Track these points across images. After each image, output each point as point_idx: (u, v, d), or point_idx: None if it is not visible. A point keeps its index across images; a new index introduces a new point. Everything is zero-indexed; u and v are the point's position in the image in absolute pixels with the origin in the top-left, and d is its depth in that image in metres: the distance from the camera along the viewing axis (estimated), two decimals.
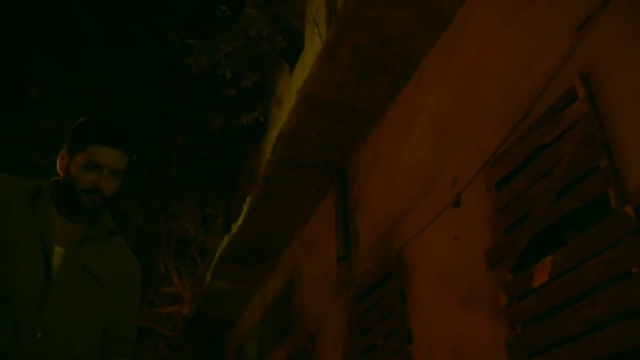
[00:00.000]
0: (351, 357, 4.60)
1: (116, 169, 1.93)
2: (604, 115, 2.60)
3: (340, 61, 4.38)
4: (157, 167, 11.10)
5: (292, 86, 7.43)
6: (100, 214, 2.02)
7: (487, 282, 3.16)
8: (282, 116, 7.64)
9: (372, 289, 4.50)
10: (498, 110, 3.34)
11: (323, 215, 5.98)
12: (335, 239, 5.29)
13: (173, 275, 12.16)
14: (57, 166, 1.98)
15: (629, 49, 2.54)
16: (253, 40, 8.12)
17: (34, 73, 9.72)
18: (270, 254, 7.23)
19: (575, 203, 2.64)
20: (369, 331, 4.40)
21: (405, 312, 3.93)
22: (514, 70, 3.26)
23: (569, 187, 2.70)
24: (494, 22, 3.54)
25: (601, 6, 2.72)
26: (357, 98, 4.73)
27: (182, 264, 12.42)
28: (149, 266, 11.61)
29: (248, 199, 6.35)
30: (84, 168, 1.89)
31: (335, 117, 4.95)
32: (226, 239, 7.22)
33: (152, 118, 10.31)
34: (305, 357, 5.78)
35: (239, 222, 6.67)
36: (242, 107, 8.92)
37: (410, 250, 4.05)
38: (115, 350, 2.00)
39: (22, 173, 2.02)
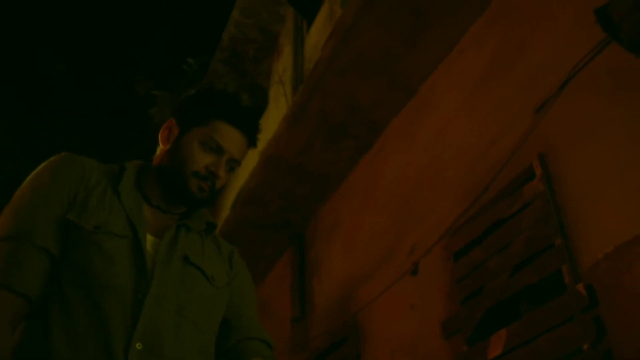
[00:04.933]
0: None
1: (236, 159, 1.54)
2: (560, 194, 2.71)
3: (306, 125, 4.47)
4: None
5: None
6: (199, 208, 1.60)
7: (442, 352, 3.18)
8: (242, 172, 7.66)
9: (327, 352, 4.47)
10: (459, 183, 3.44)
11: (279, 276, 5.96)
12: (291, 300, 5.26)
13: None
14: (160, 138, 1.57)
15: (584, 132, 2.68)
16: None
17: None
18: None
19: (530, 278, 2.72)
20: None
21: None
22: (475, 145, 3.38)
23: (525, 263, 2.78)
24: (457, 99, 3.68)
25: (558, 89, 2.87)
26: (320, 161, 4.81)
27: None
28: None
29: None
30: (202, 145, 1.49)
31: (296, 179, 5.01)
32: None
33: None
34: None
35: None
36: None
37: (367, 316, 4.06)
38: (251, 350, 1.53)
39: None
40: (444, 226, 3.44)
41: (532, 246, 2.74)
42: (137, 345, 1.27)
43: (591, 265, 2.43)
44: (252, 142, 1.59)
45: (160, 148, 1.58)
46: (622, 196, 2.41)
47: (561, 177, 2.73)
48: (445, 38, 3.82)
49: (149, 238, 1.44)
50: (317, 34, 5.83)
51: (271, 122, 6.70)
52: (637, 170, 2.38)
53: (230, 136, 1.51)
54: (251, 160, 7.00)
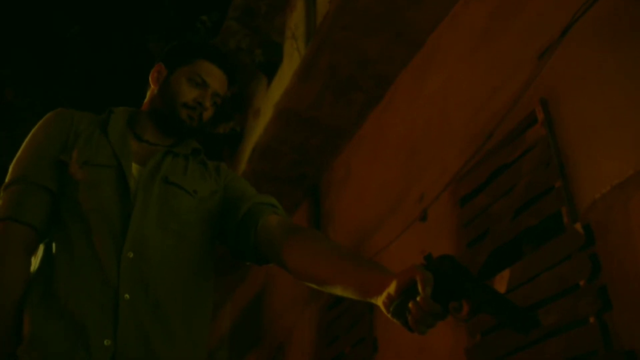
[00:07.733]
0: None
1: (219, 93, 1.73)
2: (560, 138, 2.79)
3: (316, 79, 4.56)
4: None
5: (269, 98, 7.56)
6: (188, 137, 1.77)
7: None
8: (258, 127, 7.77)
9: (340, 300, 4.63)
10: (464, 131, 3.53)
11: None
12: None
13: None
14: (150, 80, 1.77)
15: (585, 78, 2.74)
16: (232, 52, 8.25)
17: (11, 78, 9.72)
18: (242, 263, 7.30)
19: (532, 220, 2.83)
20: (337, 340, 4.53)
21: (373, 321, 4.08)
22: (480, 94, 3.46)
23: (527, 205, 2.89)
24: (462, 49, 3.74)
25: (559, 36, 2.93)
26: (331, 115, 4.91)
27: None
28: None
29: None
30: (189, 81, 1.69)
31: (309, 132, 5.12)
32: None
33: None
34: None
35: None
36: (218, 117, 9.01)
37: (378, 262, 4.20)
38: (264, 210, 1.64)
39: None
40: (450, 173, 3.55)
41: (533, 189, 2.84)
42: (129, 254, 1.48)
43: (588, 205, 2.53)
44: (231, 79, 1.79)
45: (150, 91, 1.78)
46: (619, 138, 2.50)
47: (562, 122, 2.81)
48: None
49: (136, 166, 1.63)
50: None
51: (285, 78, 6.76)
52: (633, 114, 2.46)
53: (212, 73, 1.73)
54: (266, 115, 7.11)
